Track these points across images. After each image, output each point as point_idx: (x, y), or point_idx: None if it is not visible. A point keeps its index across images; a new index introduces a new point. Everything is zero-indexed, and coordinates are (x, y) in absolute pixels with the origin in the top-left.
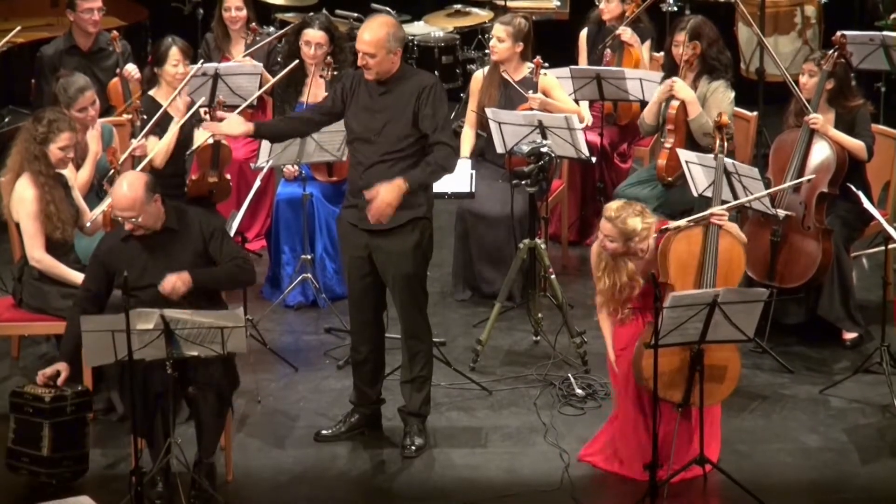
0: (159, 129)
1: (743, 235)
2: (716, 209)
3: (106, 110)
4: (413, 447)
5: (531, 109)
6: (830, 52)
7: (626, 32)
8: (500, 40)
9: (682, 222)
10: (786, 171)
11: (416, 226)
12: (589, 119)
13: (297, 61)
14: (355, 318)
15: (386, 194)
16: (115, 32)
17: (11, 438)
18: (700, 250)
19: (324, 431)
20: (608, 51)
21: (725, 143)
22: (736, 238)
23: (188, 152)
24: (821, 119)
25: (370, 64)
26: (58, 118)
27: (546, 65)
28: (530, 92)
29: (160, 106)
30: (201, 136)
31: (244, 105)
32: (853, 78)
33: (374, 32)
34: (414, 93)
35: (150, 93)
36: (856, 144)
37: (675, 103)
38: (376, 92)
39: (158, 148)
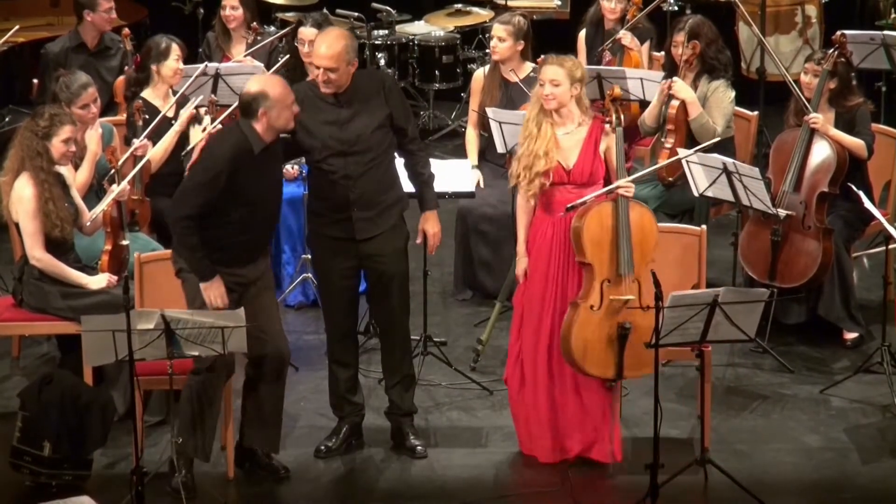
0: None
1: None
2: (621, 181)
3: (110, 107)
4: (421, 447)
5: None
6: (830, 51)
7: (626, 37)
8: (501, 40)
9: (588, 197)
10: (786, 171)
11: (401, 219)
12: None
13: (287, 56)
14: (340, 331)
15: (434, 227)
16: (126, 30)
17: (17, 437)
18: (612, 224)
19: (322, 448)
20: (607, 53)
21: (622, 116)
22: (644, 207)
23: (183, 153)
24: (821, 118)
25: (331, 78)
26: (58, 112)
27: None
28: (532, 91)
29: (153, 106)
30: (196, 136)
31: (236, 104)
32: (854, 77)
33: (333, 46)
34: (377, 92)
35: (143, 94)
36: (856, 143)
37: (675, 103)
38: (336, 104)
39: (156, 150)
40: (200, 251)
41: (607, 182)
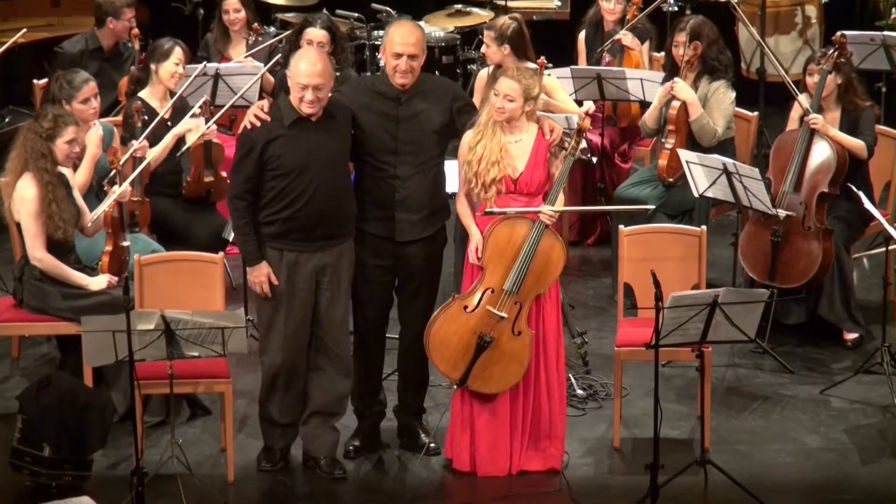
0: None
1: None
2: (545, 208)
3: (115, 106)
4: (434, 444)
5: None
6: (830, 51)
7: (626, 37)
8: (487, 45)
9: (511, 211)
10: (786, 171)
11: (443, 227)
12: (591, 107)
13: (281, 56)
14: (372, 326)
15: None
16: (135, 30)
17: (17, 438)
18: (521, 242)
19: (350, 448)
20: (606, 55)
21: (579, 147)
22: (559, 241)
23: (179, 153)
24: (821, 119)
25: (414, 67)
26: (62, 113)
27: (550, 65)
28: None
29: (151, 107)
30: (192, 137)
31: (233, 100)
32: (857, 79)
33: (416, 34)
34: (445, 97)
35: (141, 94)
36: (856, 143)
37: (675, 104)
38: (398, 101)
39: (154, 151)
40: (247, 235)
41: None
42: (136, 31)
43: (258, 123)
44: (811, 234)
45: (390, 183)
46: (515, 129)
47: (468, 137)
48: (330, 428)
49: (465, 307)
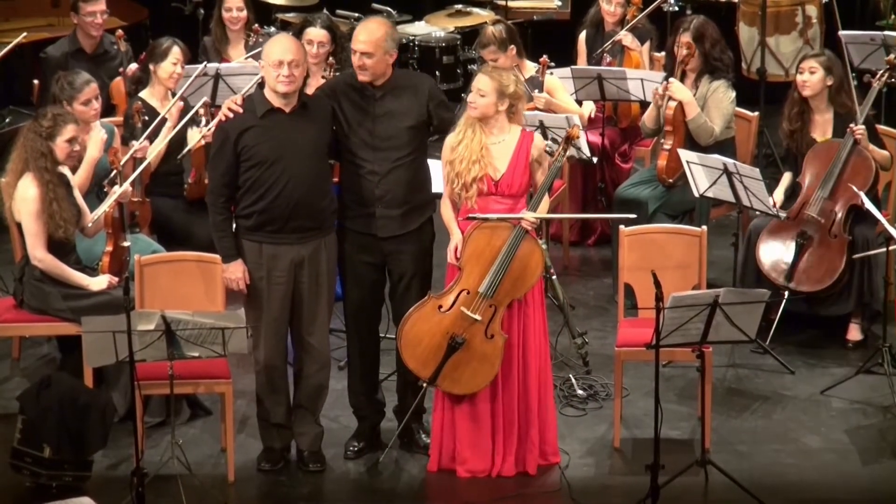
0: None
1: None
2: (527, 215)
3: (109, 110)
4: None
5: (536, 109)
6: (882, 71)
7: (626, 38)
8: (495, 59)
9: (494, 216)
10: (823, 177)
11: (429, 222)
12: (592, 109)
13: None
14: (364, 325)
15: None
16: (119, 31)
17: (17, 439)
18: (499, 246)
19: (350, 450)
20: (607, 56)
21: (564, 156)
22: (538, 247)
23: (179, 156)
24: (864, 130)
25: (367, 64)
26: (62, 112)
27: (552, 64)
28: (535, 91)
29: (151, 107)
30: (194, 138)
31: (237, 96)
32: (854, 78)
33: (372, 32)
34: (421, 94)
35: (141, 94)
36: (884, 155)
37: (672, 104)
38: (372, 97)
39: (153, 149)
40: (224, 231)
41: (530, 197)
42: (120, 32)
43: (232, 116)
44: (835, 243)
45: (369, 179)
46: (496, 130)
47: (450, 138)
48: (313, 422)
49: (440, 307)
